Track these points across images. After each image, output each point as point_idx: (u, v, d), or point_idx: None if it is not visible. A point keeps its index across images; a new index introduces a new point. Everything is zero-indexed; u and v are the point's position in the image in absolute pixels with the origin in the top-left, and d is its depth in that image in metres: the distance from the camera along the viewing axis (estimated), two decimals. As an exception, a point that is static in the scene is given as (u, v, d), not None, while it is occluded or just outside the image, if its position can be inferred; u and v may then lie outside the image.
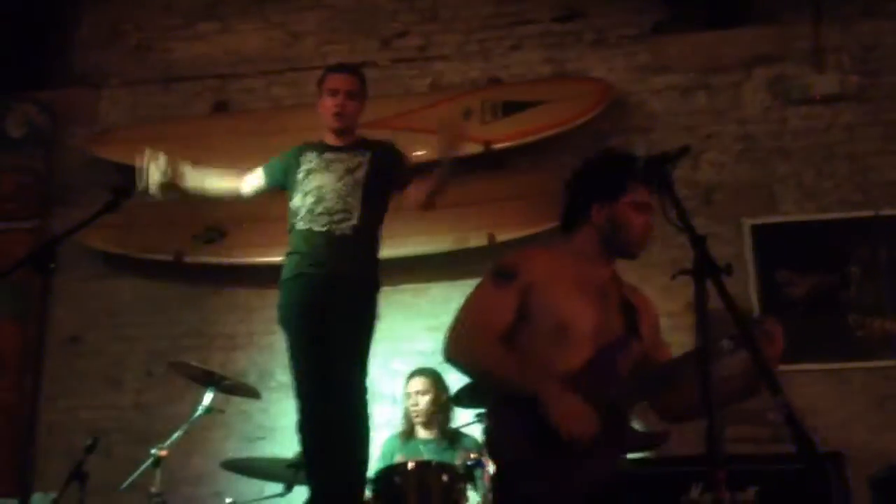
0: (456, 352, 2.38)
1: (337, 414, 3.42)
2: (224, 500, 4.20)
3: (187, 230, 5.23)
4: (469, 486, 3.70)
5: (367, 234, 3.58)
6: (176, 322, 5.29)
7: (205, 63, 5.84)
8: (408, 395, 4.39)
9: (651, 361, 2.42)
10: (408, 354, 4.88)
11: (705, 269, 1.89)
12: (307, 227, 3.54)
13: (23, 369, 5.24)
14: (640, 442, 2.25)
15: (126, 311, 5.37)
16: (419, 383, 4.37)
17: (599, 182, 2.46)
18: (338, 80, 3.70)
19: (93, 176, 5.52)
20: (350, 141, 3.69)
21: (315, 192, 3.57)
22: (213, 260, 5.22)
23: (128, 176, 5.38)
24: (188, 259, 5.20)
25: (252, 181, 3.81)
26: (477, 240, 5.03)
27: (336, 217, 3.51)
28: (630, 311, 2.37)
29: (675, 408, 2.36)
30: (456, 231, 5.09)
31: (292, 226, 3.61)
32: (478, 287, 2.45)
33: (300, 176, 3.65)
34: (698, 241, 1.93)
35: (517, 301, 2.35)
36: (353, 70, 3.82)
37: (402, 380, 4.58)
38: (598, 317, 2.33)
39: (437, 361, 4.73)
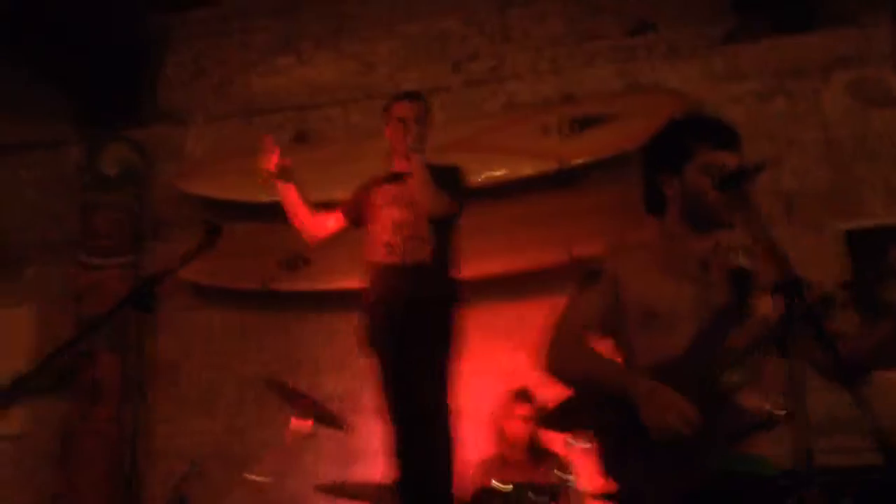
0: (548, 364, 2.32)
1: (419, 433, 3.50)
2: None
3: (272, 258, 5.37)
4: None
5: (443, 258, 3.68)
6: (264, 348, 5.43)
7: (284, 95, 6.01)
8: (512, 419, 4.38)
9: None
10: (488, 374, 4.89)
11: (791, 289, 1.84)
12: (384, 260, 3.67)
13: (122, 399, 5.43)
14: (747, 423, 2.04)
15: (217, 338, 5.54)
16: (525, 409, 4.37)
17: (663, 154, 2.33)
18: (402, 108, 3.82)
19: (181, 211, 5.75)
20: None
21: (389, 224, 3.70)
22: (298, 287, 5.35)
23: (215, 210, 5.67)
24: (274, 286, 5.34)
25: (330, 223, 3.98)
26: (556, 257, 5.03)
27: (409, 246, 3.63)
28: (742, 278, 2.16)
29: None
30: (534, 249, 5.11)
31: (370, 261, 3.73)
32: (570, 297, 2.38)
33: (373, 210, 3.78)
34: (782, 262, 1.87)
35: (609, 297, 2.27)
36: (417, 96, 3.93)
37: (483, 399, 4.58)
38: (694, 294, 2.20)
39: (516, 381, 4.78)
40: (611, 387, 2.18)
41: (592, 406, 2.31)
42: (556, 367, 2.32)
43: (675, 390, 2.08)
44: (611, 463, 2.24)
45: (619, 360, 2.33)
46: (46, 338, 5.58)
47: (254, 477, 4.02)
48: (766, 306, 2.00)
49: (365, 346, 3.70)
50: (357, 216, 3.91)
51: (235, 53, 6.20)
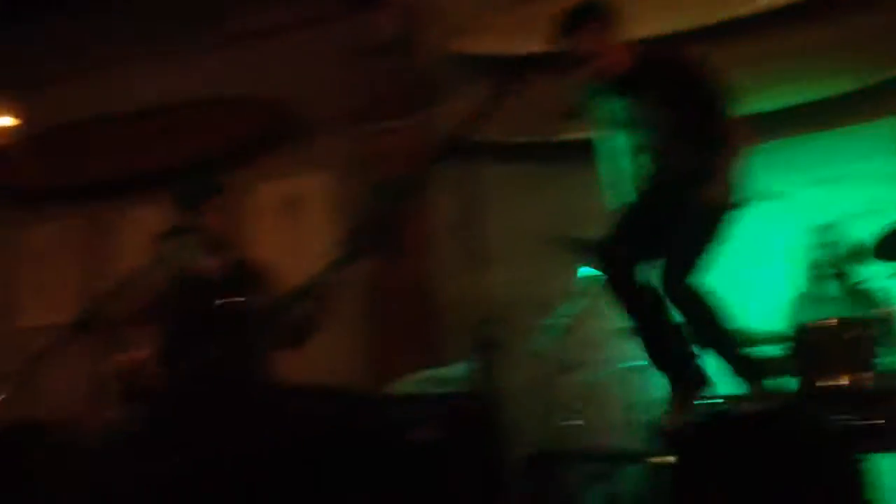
0: None
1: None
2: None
3: (553, 109, 5.37)
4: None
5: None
6: (550, 201, 5.52)
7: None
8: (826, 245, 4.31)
9: None
10: (795, 210, 4.74)
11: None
12: None
13: (423, 250, 5.77)
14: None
15: (505, 195, 5.61)
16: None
17: None
18: None
19: (452, 72, 5.85)
20: None
21: None
22: (580, 136, 5.34)
23: (485, 68, 5.68)
24: (560, 137, 5.38)
25: None
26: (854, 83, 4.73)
27: None
28: None
29: None
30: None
31: None
32: None
33: None
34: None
35: None
36: None
37: (789, 237, 4.47)
38: None
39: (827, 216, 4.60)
40: None
41: None
42: None
43: None
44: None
45: None
46: (339, 203, 6.01)
47: (549, 320, 4.12)
48: None
49: None
50: None
51: None
